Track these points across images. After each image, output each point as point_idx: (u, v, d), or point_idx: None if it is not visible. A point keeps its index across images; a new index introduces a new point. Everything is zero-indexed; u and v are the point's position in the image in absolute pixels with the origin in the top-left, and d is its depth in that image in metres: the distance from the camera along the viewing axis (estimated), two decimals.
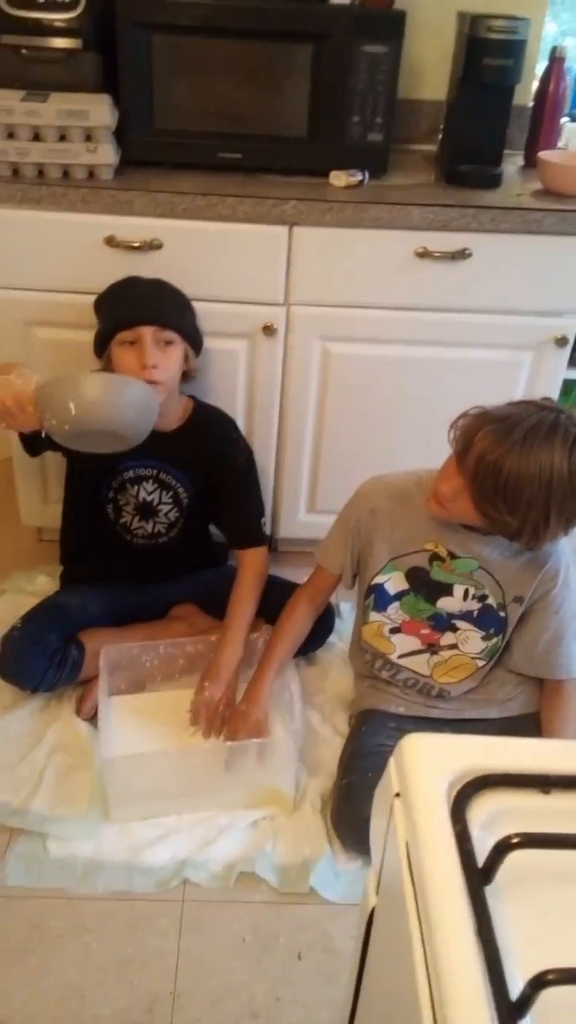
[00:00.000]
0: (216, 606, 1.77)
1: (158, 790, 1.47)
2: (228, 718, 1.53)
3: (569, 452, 1.17)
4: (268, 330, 1.69)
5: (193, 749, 1.52)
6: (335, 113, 1.62)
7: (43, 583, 1.92)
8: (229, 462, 1.64)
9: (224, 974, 1.28)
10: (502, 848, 0.53)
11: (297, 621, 1.59)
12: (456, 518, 1.33)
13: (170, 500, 1.65)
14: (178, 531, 1.69)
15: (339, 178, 1.64)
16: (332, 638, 1.80)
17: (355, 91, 1.60)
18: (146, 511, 1.66)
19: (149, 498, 1.64)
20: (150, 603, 1.76)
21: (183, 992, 1.25)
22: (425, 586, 1.44)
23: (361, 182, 1.65)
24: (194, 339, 1.56)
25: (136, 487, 1.63)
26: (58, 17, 1.55)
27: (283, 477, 1.91)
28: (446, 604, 1.44)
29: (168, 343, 1.50)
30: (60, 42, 1.58)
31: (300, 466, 1.90)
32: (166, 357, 1.49)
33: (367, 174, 1.66)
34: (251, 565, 1.66)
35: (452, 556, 1.40)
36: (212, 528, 1.80)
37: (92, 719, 1.60)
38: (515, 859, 0.53)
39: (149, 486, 1.63)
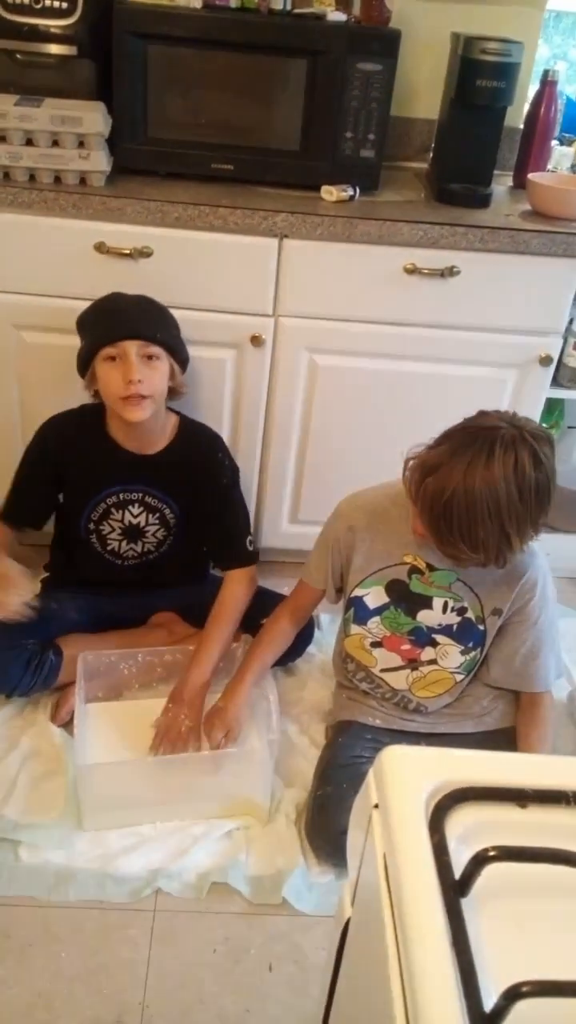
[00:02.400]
0: (196, 615, 1.76)
1: (132, 799, 1.46)
2: (205, 716, 1.52)
3: (511, 471, 1.17)
4: (256, 340, 1.70)
5: (168, 758, 1.51)
6: (328, 128, 1.64)
7: None
8: (213, 482, 1.63)
9: (194, 985, 1.27)
10: (479, 861, 0.53)
11: (279, 633, 1.59)
12: None
13: (156, 521, 1.64)
14: (167, 547, 1.69)
15: (330, 192, 1.66)
16: (311, 648, 1.80)
17: (348, 107, 1.61)
18: (133, 533, 1.65)
19: (135, 521, 1.63)
20: (130, 610, 1.75)
21: (152, 1003, 1.24)
22: (405, 599, 1.45)
23: (352, 197, 1.67)
24: (179, 354, 1.55)
25: (121, 511, 1.62)
26: (54, 23, 1.56)
27: (266, 487, 1.91)
28: (426, 617, 1.44)
29: (153, 358, 1.48)
30: (55, 48, 1.58)
31: (284, 477, 1.90)
32: (151, 372, 1.47)
33: (358, 189, 1.68)
34: (233, 587, 1.64)
35: (430, 568, 1.41)
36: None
37: (67, 725, 1.59)
38: (492, 872, 0.54)
39: (135, 509, 1.62)
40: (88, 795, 1.43)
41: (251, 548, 1.69)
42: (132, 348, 1.45)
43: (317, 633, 1.81)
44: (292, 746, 1.64)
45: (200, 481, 1.62)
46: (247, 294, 1.66)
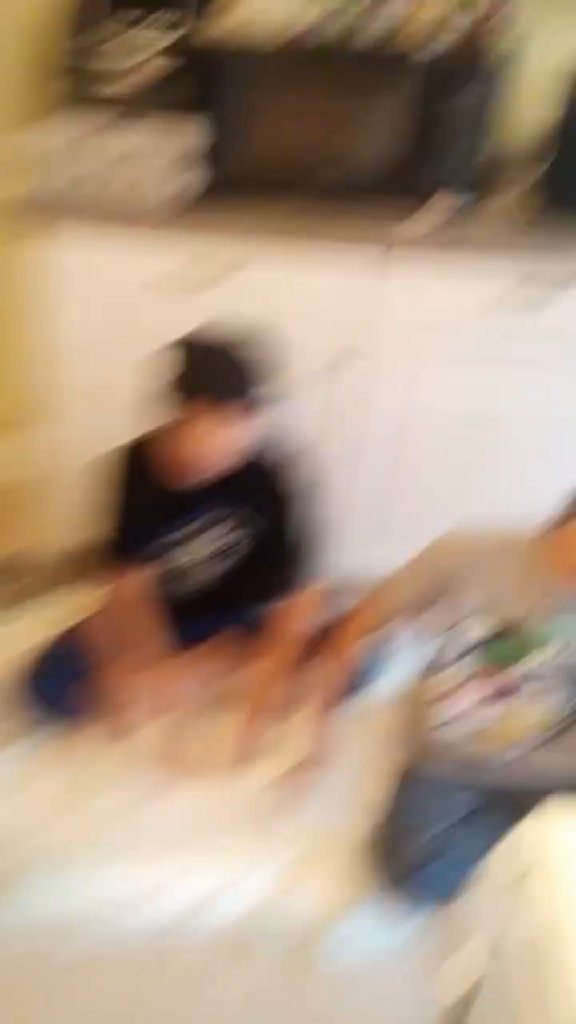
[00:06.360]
0: (255, 637, 1.73)
1: (191, 826, 1.43)
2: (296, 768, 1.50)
3: None
4: (351, 353, 1.66)
5: (235, 788, 1.49)
6: (423, 152, 1.61)
7: (62, 610, 1.86)
8: (277, 505, 1.56)
9: None
10: None
11: (350, 665, 1.54)
12: None
13: (245, 536, 1.57)
14: (244, 565, 1.66)
15: (426, 217, 1.63)
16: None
17: (457, 126, 1.59)
18: (223, 554, 1.59)
19: (224, 541, 1.57)
20: (196, 634, 1.72)
21: None
22: (507, 645, 1.36)
23: (460, 213, 1.60)
24: (269, 406, 1.45)
25: (203, 537, 1.56)
26: (146, 49, 1.55)
27: (350, 506, 1.85)
28: (534, 659, 1.35)
29: (233, 420, 1.39)
30: (155, 62, 1.57)
31: (371, 496, 1.86)
32: (232, 435, 1.39)
33: (468, 202, 1.62)
34: (301, 606, 1.60)
35: (552, 612, 1.31)
36: None
37: (114, 743, 1.57)
38: None
39: (222, 529, 1.55)
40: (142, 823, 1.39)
41: (314, 570, 1.66)
42: (212, 418, 1.36)
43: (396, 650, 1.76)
44: (359, 776, 1.59)
45: (276, 495, 1.57)
46: (347, 308, 1.63)
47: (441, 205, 1.62)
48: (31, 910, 1.30)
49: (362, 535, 1.89)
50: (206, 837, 1.40)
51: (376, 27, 1.56)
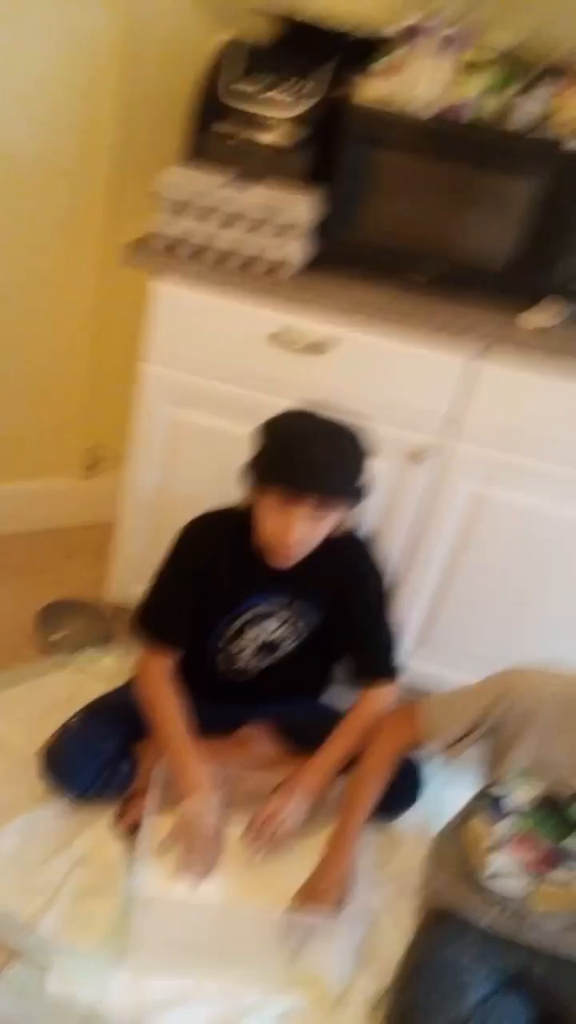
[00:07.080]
0: (292, 734, 1.58)
1: (187, 945, 1.26)
2: (305, 892, 1.32)
3: None
4: (417, 456, 1.57)
5: (240, 910, 1.30)
6: (544, 252, 1.54)
7: (107, 666, 1.76)
8: (361, 588, 1.47)
9: None
10: None
11: (384, 779, 1.38)
12: None
13: (294, 634, 1.50)
14: (295, 659, 1.54)
15: (535, 318, 1.54)
16: None
17: (570, 234, 1.51)
18: (268, 649, 1.51)
19: (272, 637, 1.49)
20: (223, 720, 1.58)
21: None
22: (553, 818, 1.21)
23: (561, 325, 1.54)
24: (359, 500, 1.38)
25: (256, 628, 1.48)
26: (274, 115, 1.53)
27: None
28: (573, 844, 1.21)
29: (320, 513, 1.32)
30: (268, 138, 1.55)
31: (416, 604, 1.73)
32: (313, 527, 1.33)
33: (569, 317, 1.55)
34: (372, 703, 1.47)
35: None
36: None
37: (128, 834, 1.41)
38: None
39: (272, 624, 1.48)
40: (139, 931, 1.24)
41: (398, 661, 1.51)
42: (300, 510, 1.30)
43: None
44: (374, 921, 1.39)
45: (347, 588, 1.47)
46: (424, 410, 1.55)
47: (549, 310, 1.53)
48: (25, 1005, 1.19)
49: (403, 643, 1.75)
50: (204, 957, 1.26)
51: (528, 111, 1.48)
